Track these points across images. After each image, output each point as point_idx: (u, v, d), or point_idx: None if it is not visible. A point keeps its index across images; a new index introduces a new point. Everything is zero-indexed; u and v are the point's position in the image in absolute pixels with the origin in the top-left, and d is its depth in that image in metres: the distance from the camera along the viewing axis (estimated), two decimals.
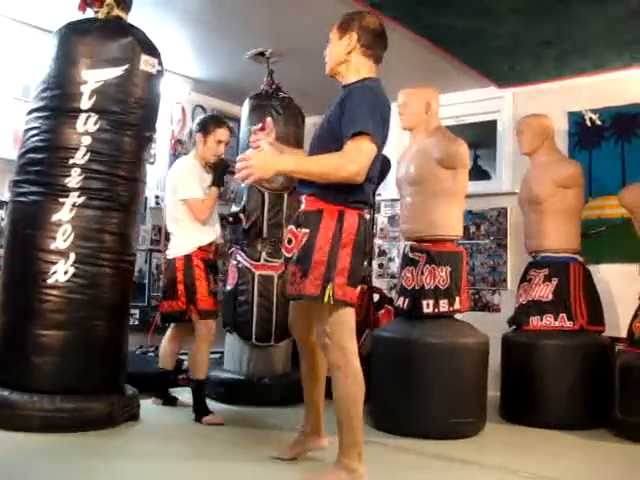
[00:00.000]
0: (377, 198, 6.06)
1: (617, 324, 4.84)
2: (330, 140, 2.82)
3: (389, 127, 2.93)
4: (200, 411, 4.06)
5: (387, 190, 6.26)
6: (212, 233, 4.31)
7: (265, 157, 2.79)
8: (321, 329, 2.83)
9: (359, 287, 2.92)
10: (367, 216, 2.91)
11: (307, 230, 2.81)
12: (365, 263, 3.00)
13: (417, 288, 4.11)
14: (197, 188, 4.19)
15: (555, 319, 4.55)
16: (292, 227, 2.93)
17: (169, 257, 4.26)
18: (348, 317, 2.83)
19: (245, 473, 3.04)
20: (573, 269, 4.63)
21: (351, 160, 2.69)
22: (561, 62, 5.13)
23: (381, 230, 6.50)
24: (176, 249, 4.22)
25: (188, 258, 4.16)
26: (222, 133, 4.33)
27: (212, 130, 4.31)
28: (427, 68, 5.37)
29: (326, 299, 2.72)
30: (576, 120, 5.45)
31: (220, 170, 4.34)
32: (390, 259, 6.43)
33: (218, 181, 4.31)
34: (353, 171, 2.69)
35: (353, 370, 2.79)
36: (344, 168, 2.69)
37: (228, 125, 4.45)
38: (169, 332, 4.46)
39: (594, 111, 5.35)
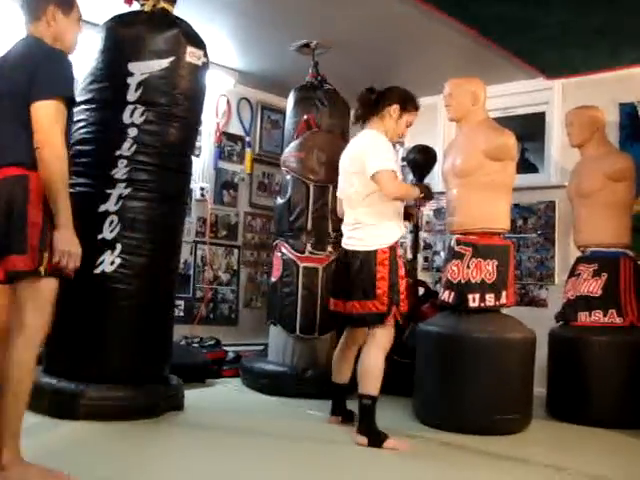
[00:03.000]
0: None
1: None
2: None
3: None
4: (375, 434, 3.46)
5: (432, 182, 6.20)
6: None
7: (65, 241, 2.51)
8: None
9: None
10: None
11: None
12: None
13: (463, 282, 4.06)
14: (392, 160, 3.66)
15: (604, 315, 4.46)
16: None
17: (364, 249, 3.59)
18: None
19: (287, 468, 3.03)
20: (623, 264, 4.53)
21: None
22: (613, 52, 5.00)
23: (427, 223, 6.44)
24: (378, 238, 3.61)
25: (393, 250, 3.61)
26: (414, 117, 3.81)
27: (410, 110, 3.75)
28: (474, 59, 5.29)
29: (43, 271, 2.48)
30: (628, 112, 5.32)
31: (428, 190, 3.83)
32: (435, 252, 6.38)
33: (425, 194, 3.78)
34: None
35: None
36: None
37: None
38: (344, 340, 3.91)
39: None
